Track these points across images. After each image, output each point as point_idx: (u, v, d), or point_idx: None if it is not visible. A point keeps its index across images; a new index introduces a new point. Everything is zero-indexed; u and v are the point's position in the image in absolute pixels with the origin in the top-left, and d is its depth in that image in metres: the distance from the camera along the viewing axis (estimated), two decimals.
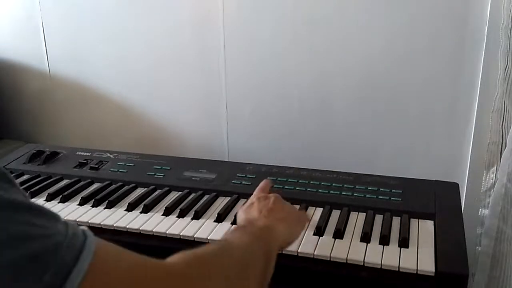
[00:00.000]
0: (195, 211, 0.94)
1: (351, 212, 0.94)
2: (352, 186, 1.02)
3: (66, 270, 0.42)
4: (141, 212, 0.96)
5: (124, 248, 0.50)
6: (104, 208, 0.98)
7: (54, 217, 0.46)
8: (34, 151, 1.23)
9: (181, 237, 0.87)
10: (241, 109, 1.50)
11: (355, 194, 0.99)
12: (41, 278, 0.41)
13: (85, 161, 1.19)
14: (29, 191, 1.04)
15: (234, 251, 0.62)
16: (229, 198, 1.01)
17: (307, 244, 0.83)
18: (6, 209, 0.42)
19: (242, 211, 0.81)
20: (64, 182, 1.11)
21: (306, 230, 0.86)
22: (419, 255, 0.79)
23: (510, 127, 1.13)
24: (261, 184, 0.90)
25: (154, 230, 0.89)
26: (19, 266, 0.41)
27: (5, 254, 0.40)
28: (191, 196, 1.02)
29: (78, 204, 1.00)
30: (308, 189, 1.02)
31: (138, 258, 0.52)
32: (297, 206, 0.95)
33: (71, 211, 0.97)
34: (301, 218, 0.83)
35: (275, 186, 1.04)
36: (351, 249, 0.81)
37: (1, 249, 0.40)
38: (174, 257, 0.56)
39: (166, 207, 0.95)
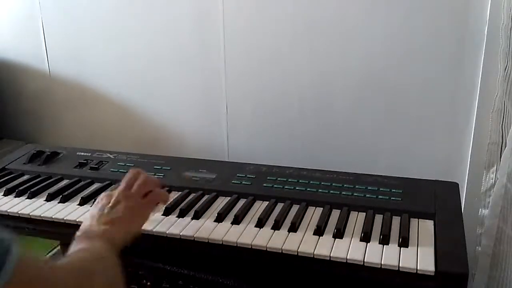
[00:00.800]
0: (195, 211, 0.94)
1: (351, 212, 0.94)
2: (352, 186, 1.02)
3: None
4: None
5: (47, 261, 0.55)
6: None
7: None
8: (34, 151, 1.23)
9: (181, 237, 0.87)
10: (241, 109, 1.50)
11: (355, 194, 0.99)
12: None
13: (85, 161, 1.19)
14: (29, 191, 1.04)
15: (102, 256, 0.68)
16: (229, 198, 1.01)
17: (306, 243, 0.83)
18: None
19: (89, 213, 0.82)
20: (64, 182, 1.11)
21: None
22: (419, 255, 0.79)
23: (510, 127, 1.13)
24: (127, 176, 0.88)
25: (154, 230, 0.89)
26: None
27: None
28: (191, 196, 1.02)
29: (78, 204, 1.00)
30: (308, 189, 1.02)
31: (51, 272, 0.55)
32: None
33: (71, 211, 0.97)
34: (141, 211, 0.83)
35: (275, 186, 1.04)
36: (351, 249, 0.81)
37: None
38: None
39: (166, 207, 0.95)
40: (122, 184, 0.85)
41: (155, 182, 0.90)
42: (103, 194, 0.84)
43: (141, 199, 0.85)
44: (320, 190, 1.01)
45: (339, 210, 0.94)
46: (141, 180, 0.86)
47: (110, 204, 0.80)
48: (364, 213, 0.93)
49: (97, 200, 0.83)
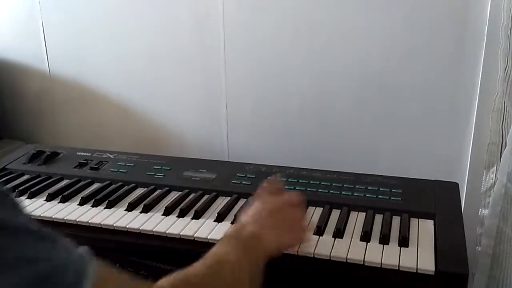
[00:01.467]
0: (195, 211, 0.94)
1: (351, 212, 0.94)
2: (352, 186, 1.02)
3: None
4: (141, 212, 0.96)
5: (122, 273, 0.53)
6: (104, 208, 0.98)
7: (56, 240, 0.46)
8: (34, 151, 1.23)
9: (181, 237, 0.87)
10: (241, 109, 1.50)
11: (355, 194, 0.99)
12: None
13: (85, 161, 1.19)
14: (29, 191, 1.04)
15: (224, 271, 0.63)
16: (229, 198, 1.01)
17: (306, 243, 0.83)
18: (13, 235, 0.43)
19: (244, 210, 0.80)
20: (64, 182, 1.11)
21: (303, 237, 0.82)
22: (419, 255, 0.79)
23: (510, 127, 1.13)
24: (266, 183, 0.86)
25: (154, 230, 0.89)
26: None
27: (9, 277, 0.41)
28: (191, 196, 1.02)
29: (78, 204, 1.00)
30: (308, 189, 1.02)
31: (135, 285, 0.55)
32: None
33: (71, 211, 0.97)
34: (296, 226, 0.79)
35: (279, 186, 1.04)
36: (351, 249, 0.81)
37: (5, 270, 0.41)
38: (164, 280, 0.58)
39: (166, 207, 0.95)
40: (285, 196, 0.82)
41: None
42: (264, 196, 0.81)
43: (301, 214, 0.83)
44: (320, 190, 1.01)
45: (339, 210, 0.94)
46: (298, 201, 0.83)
47: (269, 208, 0.77)
48: (364, 213, 0.93)
49: (254, 203, 0.80)
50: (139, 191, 1.05)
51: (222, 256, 0.65)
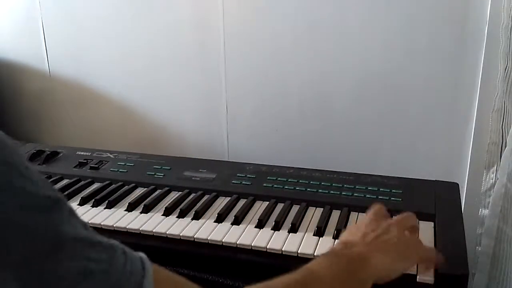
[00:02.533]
0: (195, 211, 0.94)
1: (351, 212, 0.94)
2: (352, 186, 1.02)
3: None
4: (141, 212, 0.96)
5: (179, 276, 0.51)
6: (104, 208, 0.98)
7: (113, 248, 0.44)
8: (34, 151, 1.23)
9: (181, 238, 0.87)
10: (241, 109, 1.50)
11: (355, 194, 0.99)
12: None
13: (85, 161, 1.19)
14: None
15: (318, 285, 0.58)
16: (229, 198, 1.01)
17: (307, 244, 0.83)
18: (70, 246, 0.41)
19: (348, 229, 0.74)
20: (64, 182, 1.11)
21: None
22: None
23: (510, 127, 1.13)
24: (376, 207, 0.78)
25: (154, 230, 0.89)
26: None
27: None
28: (191, 196, 1.02)
29: (78, 204, 1.00)
30: (308, 189, 1.02)
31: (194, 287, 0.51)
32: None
33: None
34: (411, 253, 0.71)
35: (275, 186, 1.04)
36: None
37: (63, 285, 0.40)
38: None
39: (166, 207, 0.95)
40: (397, 217, 0.75)
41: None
42: (371, 217, 0.74)
43: (417, 239, 0.76)
44: (320, 190, 1.01)
45: (339, 211, 0.94)
46: (413, 224, 0.77)
47: (377, 232, 0.69)
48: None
49: (364, 220, 0.74)
50: (139, 191, 1.05)
51: (316, 272, 0.60)
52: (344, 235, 0.73)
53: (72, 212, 0.43)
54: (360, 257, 0.64)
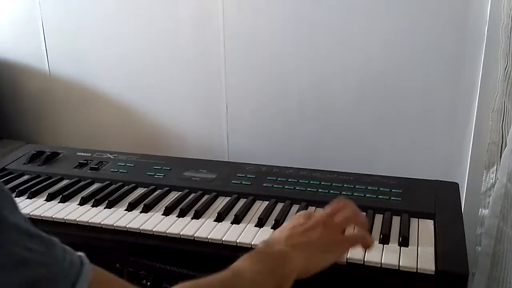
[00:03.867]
0: (195, 210, 0.94)
1: None
2: (352, 186, 1.02)
3: None
4: (141, 212, 0.96)
5: (118, 278, 0.51)
6: (104, 208, 0.98)
7: (52, 243, 0.46)
8: (34, 152, 1.23)
9: (181, 237, 0.87)
10: (241, 109, 1.50)
11: (355, 194, 0.99)
12: None
13: (85, 162, 1.19)
14: (29, 191, 1.04)
15: (241, 284, 0.60)
16: (229, 198, 1.01)
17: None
18: (10, 232, 0.42)
19: (281, 226, 0.76)
20: (64, 182, 1.11)
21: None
22: (419, 254, 0.79)
23: (510, 127, 1.13)
24: (334, 202, 0.80)
25: (154, 230, 0.89)
26: None
27: (3, 276, 0.40)
28: (191, 196, 1.02)
29: (78, 204, 1.00)
30: (308, 189, 1.02)
31: None
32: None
33: (71, 211, 0.97)
34: (335, 246, 0.73)
35: (275, 186, 1.04)
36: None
37: (1, 270, 0.40)
38: None
39: (166, 207, 0.95)
40: (326, 209, 0.77)
41: (362, 221, 0.79)
42: (302, 212, 0.78)
43: (341, 233, 0.76)
44: (320, 190, 1.01)
45: None
46: (349, 213, 0.77)
47: (305, 226, 0.72)
48: (364, 213, 0.93)
49: (294, 216, 0.77)
50: (139, 191, 1.05)
51: (240, 270, 0.62)
52: (273, 233, 0.75)
53: (14, 203, 0.45)
54: (280, 254, 0.67)
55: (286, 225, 0.75)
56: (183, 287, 0.55)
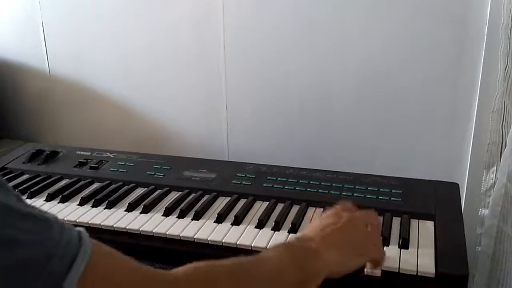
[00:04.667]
0: (195, 211, 0.94)
1: None
2: (352, 186, 1.02)
3: (57, 280, 0.42)
4: (141, 213, 0.96)
5: (121, 254, 0.50)
6: (104, 208, 0.98)
7: (48, 222, 0.45)
8: (34, 151, 1.23)
9: (181, 238, 0.87)
10: (241, 109, 1.50)
11: (355, 194, 0.99)
12: (30, 287, 0.41)
13: (85, 161, 1.19)
14: (29, 191, 1.04)
15: (257, 271, 0.58)
16: (229, 198, 1.01)
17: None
18: None
19: (310, 223, 0.76)
20: (64, 181, 1.11)
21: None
22: (419, 256, 0.78)
23: (510, 127, 1.13)
24: (342, 203, 0.80)
25: (154, 231, 0.89)
26: (8, 272, 0.40)
27: None
28: (191, 196, 1.02)
29: (78, 204, 1.00)
30: (308, 189, 1.02)
31: (135, 266, 0.51)
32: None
33: (71, 211, 0.97)
34: (366, 251, 0.72)
35: (275, 186, 1.04)
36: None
37: None
38: (182, 268, 0.54)
39: (166, 208, 0.95)
40: (359, 213, 0.76)
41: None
42: (331, 212, 0.76)
43: (374, 237, 0.75)
44: (320, 190, 1.01)
45: None
46: (377, 221, 0.77)
47: (337, 226, 0.70)
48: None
49: (323, 216, 0.75)
50: (139, 191, 1.05)
51: (265, 258, 0.61)
52: (310, 225, 0.74)
53: (3, 184, 0.44)
54: (313, 251, 0.65)
55: (316, 224, 0.72)
56: (197, 265, 0.54)
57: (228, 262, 0.57)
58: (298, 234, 0.73)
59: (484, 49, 1.20)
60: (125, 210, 0.97)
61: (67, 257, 0.43)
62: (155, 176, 1.11)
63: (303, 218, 0.92)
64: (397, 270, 0.76)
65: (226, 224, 0.91)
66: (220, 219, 0.92)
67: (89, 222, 0.93)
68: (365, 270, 0.75)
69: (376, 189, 1.00)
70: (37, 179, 1.12)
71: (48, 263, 0.42)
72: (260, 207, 0.97)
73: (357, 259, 0.70)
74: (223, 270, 0.56)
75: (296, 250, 0.65)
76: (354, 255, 0.70)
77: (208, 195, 1.02)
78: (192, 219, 0.93)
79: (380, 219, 0.79)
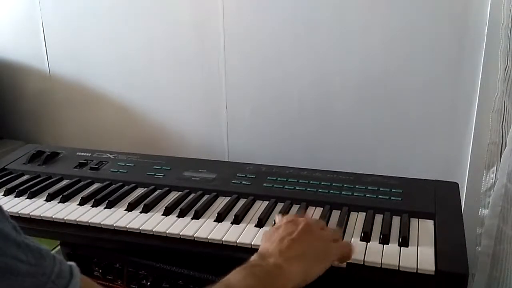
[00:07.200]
0: (195, 211, 0.94)
1: (351, 212, 0.94)
2: (352, 186, 1.02)
3: None
4: (141, 212, 0.96)
5: None
6: (104, 208, 0.98)
7: (42, 254, 0.45)
8: (34, 151, 1.23)
9: (181, 237, 0.87)
10: (241, 109, 1.50)
11: (355, 194, 0.99)
12: None
13: (85, 161, 1.19)
14: (29, 191, 1.04)
15: None
16: (229, 198, 1.01)
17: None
18: None
19: (265, 235, 0.75)
20: (64, 182, 1.11)
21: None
22: (419, 255, 0.79)
23: (510, 127, 1.13)
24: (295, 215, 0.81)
25: (154, 230, 0.89)
26: None
27: None
28: (191, 196, 1.02)
29: (78, 204, 1.00)
30: (308, 189, 1.02)
31: None
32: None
33: (71, 211, 0.97)
34: (328, 252, 0.72)
35: (275, 186, 1.04)
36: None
37: None
38: None
39: (166, 207, 0.95)
40: (314, 219, 0.76)
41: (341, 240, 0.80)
42: (286, 218, 0.76)
43: (332, 239, 0.75)
44: (320, 190, 1.01)
45: (339, 210, 0.94)
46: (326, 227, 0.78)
47: (295, 235, 0.70)
48: (364, 213, 0.93)
49: (277, 222, 0.75)
50: (139, 191, 1.05)
51: (231, 284, 0.61)
52: (262, 242, 0.73)
53: (2, 212, 0.44)
54: (276, 267, 0.65)
55: (275, 235, 0.72)
56: None
57: None
58: (260, 249, 0.72)
59: (484, 49, 1.20)
60: (125, 210, 0.97)
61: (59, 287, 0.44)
62: (155, 176, 1.11)
63: None
64: (397, 268, 0.76)
65: (226, 223, 0.91)
66: (220, 218, 0.92)
67: (89, 221, 0.93)
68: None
69: (376, 188, 1.00)
70: (37, 180, 1.12)
71: None
72: (260, 206, 0.97)
73: (321, 264, 0.70)
74: None
75: (258, 272, 0.64)
76: (317, 260, 0.70)
77: (208, 195, 1.02)
78: (192, 218, 0.93)
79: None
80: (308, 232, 0.72)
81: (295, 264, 0.66)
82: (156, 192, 1.04)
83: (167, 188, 1.05)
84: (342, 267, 0.76)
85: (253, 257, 0.69)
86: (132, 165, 1.17)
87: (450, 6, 1.22)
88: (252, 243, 0.84)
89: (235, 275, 0.63)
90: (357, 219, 0.91)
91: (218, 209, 0.95)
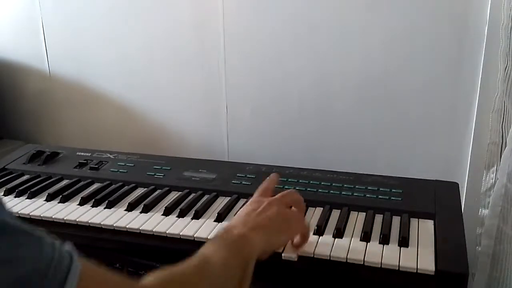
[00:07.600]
0: (195, 211, 0.94)
1: (351, 212, 0.94)
2: (352, 186, 1.02)
3: None
4: (141, 212, 0.96)
5: (108, 271, 0.51)
6: (104, 208, 0.98)
7: (40, 239, 0.44)
8: (34, 151, 1.23)
9: (181, 237, 0.87)
10: (241, 109, 1.50)
11: (355, 194, 0.99)
12: None
13: (85, 161, 1.19)
14: (29, 191, 1.04)
15: (212, 268, 0.62)
16: (229, 198, 1.01)
17: (307, 244, 0.83)
18: None
19: (237, 214, 0.81)
20: (64, 182, 1.11)
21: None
22: (419, 255, 0.79)
23: (510, 127, 1.13)
24: (264, 182, 0.88)
25: (154, 230, 0.89)
26: None
27: None
28: (191, 196, 1.02)
29: (78, 204, 1.00)
30: (308, 189, 1.02)
31: (120, 281, 0.53)
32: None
33: (71, 211, 0.97)
34: (289, 227, 0.79)
35: (275, 186, 1.04)
36: (351, 249, 0.81)
37: None
38: (150, 277, 0.57)
39: (166, 207, 0.95)
40: (278, 195, 0.82)
41: (303, 206, 0.86)
42: (253, 199, 0.82)
43: (292, 211, 0.82)
44: (320, 190, 1.01)
45: (339, 210, 0.94)
46: (295, 196, 0.84)
47: (259, 210, 0.77)
48: (364, 213, 0.93)
49: (247, 204, 0.81)
50: (139, 191, 1.05)
51: (209, 255, 0.65)
52: (230, 221, 0.78)
53: (2, 203, 0.44)
54: (240, 237, 0.70)
55: (241, 212, 0.78)
56: (158, 275, 0.57)
57: (186, 269, 0.60)
58: (225, 227, 0.76)
59: (484, 49, 1.20)
60: (125, 210, 0.97)
61: (59, 274, 0.43)
62: (155, 176, 1.11)
63: None
64: (397, 268, 0.76)
65: (226, 223, 0.91)
66: (220, 218, 0.92)
67: (89, 221, 0.93)
68: (282, 255, 0.80)
69: (376, 188, 1.00)
70: (37, 180, 1.12)
71: (41, 281, 0.42)
72: None
73: (282, 236, 0.78)
74: (193, 272, 0.60)
75: (227, 242, 0.69)
76: (279, 232, 0.77)
77: (208, 195, 1.02)
78: (192, 218, 0.93)
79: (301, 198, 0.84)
80: (271, 207, 0.77)
81: (257, 233, 0.71)
82: (156, 192, 1.04)
83: (167, 188, 1.05)
84: (293, 260, 0.79)
85: (219, 232, 0.74)
86: (132, 165, 1.17)
87: (450, 6, 1.22)
88: None
89: (207, 248, 0.67)
90: (357, 219, 0.91)
91: (218, 209, 0.95)
